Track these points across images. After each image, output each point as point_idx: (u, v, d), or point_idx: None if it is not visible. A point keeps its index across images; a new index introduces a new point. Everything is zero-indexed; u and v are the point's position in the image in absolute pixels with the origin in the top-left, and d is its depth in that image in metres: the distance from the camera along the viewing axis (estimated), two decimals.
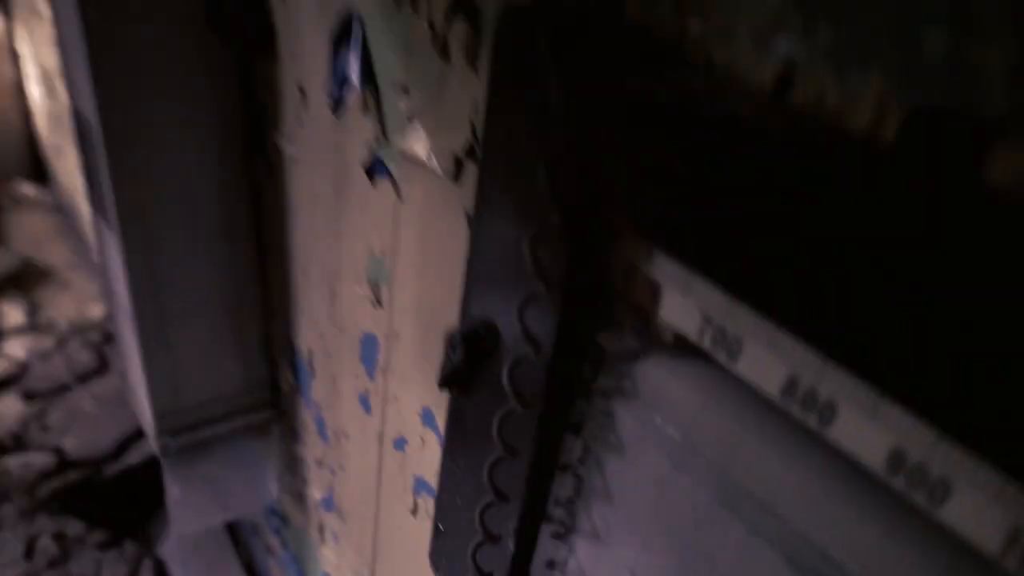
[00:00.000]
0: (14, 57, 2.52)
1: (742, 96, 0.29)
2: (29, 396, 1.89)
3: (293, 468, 1.03)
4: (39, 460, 1.73)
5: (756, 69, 0.28)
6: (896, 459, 0.29)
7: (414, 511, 0.71)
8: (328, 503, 0.94)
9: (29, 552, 1.58)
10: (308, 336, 0.84)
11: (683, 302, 0.35)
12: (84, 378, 1.95)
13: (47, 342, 2.05)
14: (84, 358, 2.00)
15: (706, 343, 0.35)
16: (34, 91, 2.48)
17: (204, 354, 0.87)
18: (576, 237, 0.35)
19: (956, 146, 0.24)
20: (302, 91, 0.66)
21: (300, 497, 1.04)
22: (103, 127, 0.68)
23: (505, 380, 0.40)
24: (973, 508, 0.27)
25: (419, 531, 0.71)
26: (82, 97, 0.69)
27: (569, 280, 0.37)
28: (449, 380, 0.46)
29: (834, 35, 0.26)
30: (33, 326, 2.11)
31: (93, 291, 2.25)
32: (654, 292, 0.37)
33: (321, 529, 1.00)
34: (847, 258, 0.26)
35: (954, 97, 0.24)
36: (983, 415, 0.24)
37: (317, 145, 0.67)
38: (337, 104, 0.60)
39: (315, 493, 0.98)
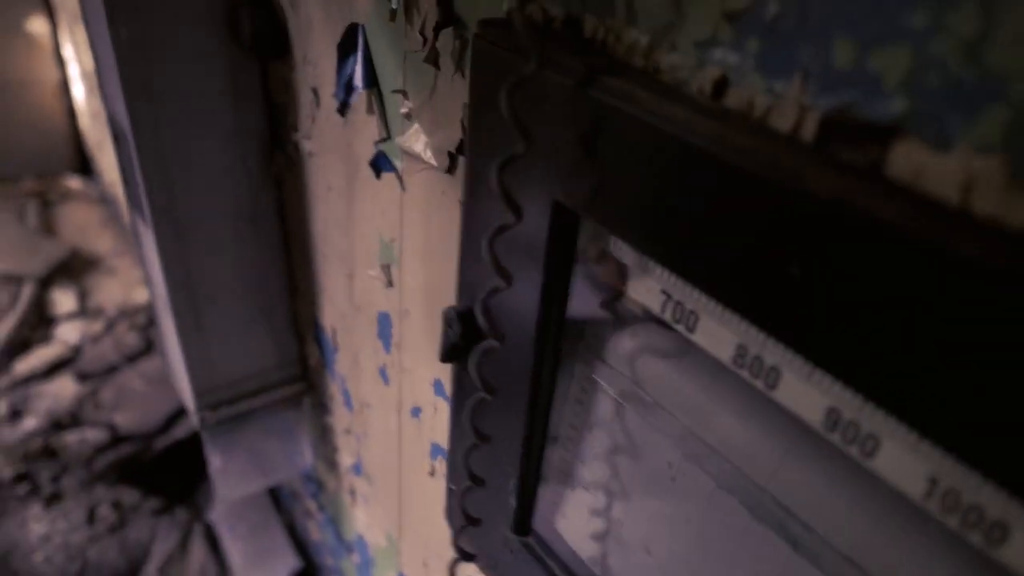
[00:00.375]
0: (59, 60, 2.58)
1: (682, 99, 0.31)
2: (82, 377, 1.95)
3: (325, 437, 1.07)
4: (94, 436, 1.80)
5: (696, 76, 0.31)
6: (831, 418, 0.32)
7: (432, 473, 0.74)
8: (357, 468, 0.98)
9: (91, 519, 1.65)
10: (330, 314, 0.87)
11: (646, 281, 0.38)
12: (132, 358, 2.01)
13: (97, 326, 2.11)
14: (132, 340, 2.07)
15: (667, 317, 0.37)
16: (78, 91, 2.53)
17: (237, 334, 0.91)
18: (541, 229, 0.37)
19: (861, 142, 0.26)
20: (315, 93, 0.69)
21: (332, 464, 1.08)
22: (134, 132, 0.71)
23: (472, 370, 0.42)
24: (898, 460, 0.30)
25: (437, 491, 0.74)
26: (115, 104, 0.73)
27: (546, 266, 0.40)
28: (448, 355, 0.49)
29: (760, 47, 0.28)
30: (83, 311, 2.18)
31: (137, 276, 2.32)
32: (622, 272, 0.39)
33: (352, 492, 1.04)
34: (775, 245, 0.28)
35: (861, 100, 0.26)
36: (894, 380, 0.26)
37: (330, 142, 0.70)
38: (344, 106, 0.62)
39: (345, 459, 1.02)
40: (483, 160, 0.41)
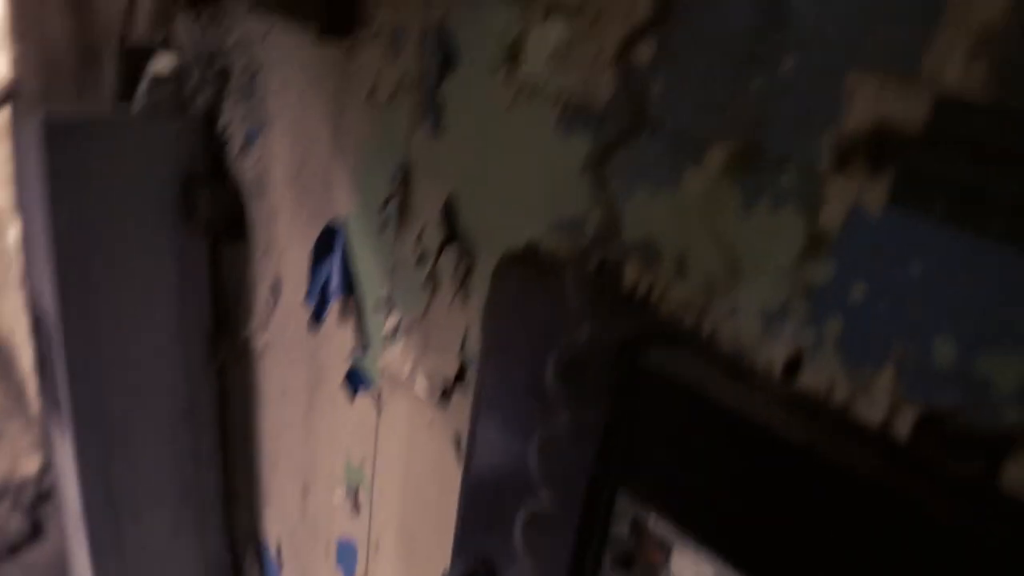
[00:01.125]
0: None
1: (751, 378, 0.30)
2: None
3: None
4: None
5: (765, 350, 0.30)
6: None
7: None
8: None
9: None
10: (276, 527, 0.82)
11: (694, 562, 0.36)
12: (15, 548, 1.87)
13: None
14: (15, 524, 1.93)
15: None
16: None
17: (161, 550, 0.85)
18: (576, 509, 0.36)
19: (971, 451, 0.25)
20: (276, 284, 0.67)
21: None
22: (63, 318, 0.68)
23: None
24: None
25: None
26: (40, 283, 0.70)
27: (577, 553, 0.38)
28: None
29: (843, 327, 0.28)
30: None
31: (27, 442, 2.20)
32: (664, 549, 0.37)
33: None
34: (859, 549, 0.27)
35: (966, 403, 0.25)
36: None
37: (289, 342, 0.68)
38: (318, 312, 0.61)
39: None
40: (503, 422, 0.39)
